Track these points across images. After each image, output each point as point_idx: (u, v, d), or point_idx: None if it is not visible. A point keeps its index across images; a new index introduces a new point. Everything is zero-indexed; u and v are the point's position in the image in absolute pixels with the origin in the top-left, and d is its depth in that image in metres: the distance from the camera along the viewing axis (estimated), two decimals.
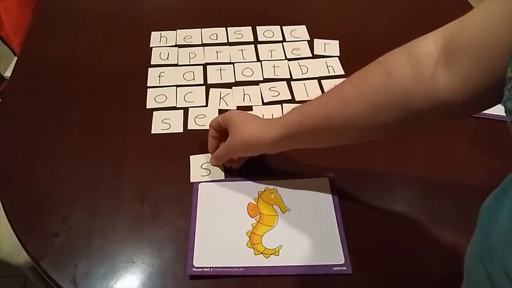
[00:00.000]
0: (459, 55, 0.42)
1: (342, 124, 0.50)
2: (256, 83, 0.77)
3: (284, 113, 0.71)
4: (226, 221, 0.57)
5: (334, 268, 0.52)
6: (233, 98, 0.74)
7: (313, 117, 0.52)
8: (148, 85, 0.76)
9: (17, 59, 0.85)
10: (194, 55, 0.82)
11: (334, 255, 0.53)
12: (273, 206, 0.58)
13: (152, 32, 0.87)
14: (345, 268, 0.52)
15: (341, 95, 0.51)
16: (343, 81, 0.51)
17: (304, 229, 0.56)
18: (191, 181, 0.61)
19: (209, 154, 0.64)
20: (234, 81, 0.77)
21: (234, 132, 0.58)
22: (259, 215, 0.57)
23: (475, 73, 0.40)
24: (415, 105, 0.45)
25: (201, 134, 0.68)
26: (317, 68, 0.80)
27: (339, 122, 0.50)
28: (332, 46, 0.84)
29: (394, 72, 0.46)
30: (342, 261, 0.53)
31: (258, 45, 0.84)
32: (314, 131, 0.53)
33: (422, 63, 0.44)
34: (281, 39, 0.86)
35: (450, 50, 0.43)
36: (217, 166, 0.63)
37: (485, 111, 0.66)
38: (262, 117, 0.70)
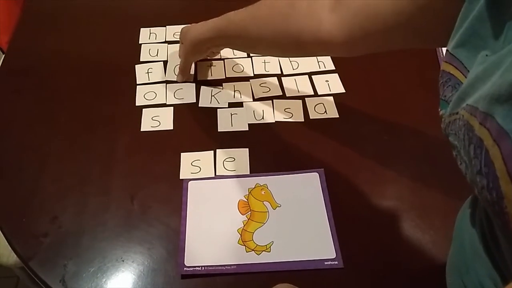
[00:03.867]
0: (343, 6, 0.51)
1: (256, 38, 0.61)
2: (246, 79, 0.77)
3: (275, 110, 0.71)
4: (217, 219, 0.57)
5: (326, 263, 0.52)
6: (224, 95, 0.73)
7: (237, 26, 0.63)
8: (137, 82, 0.75)
9: (4, 57, 0.84)
10: None
11: (325, 249, 0.53)
12: (264, 202, 0.58)
13: (141, 29, 0.86)
14: (336, 262, 0.52)
15: (256, 13, 0.61)
16: (259, 2, 0.61)
17: (295, 224, 0.56)
18: (180, 178, 0.61)
19: (199, 152, 0.64)
20: (224, 77, 0.77)
21: (183, 40, 0.71)
22: (250, 212, 0.57)
23: (350, 24, 0.50)
24: (303, 38, 0.55)
25: (191, 132, 0.68)
26: (308, 63, 0.79)
27: (253, 36, 0.61)
28: None
29: (295, 5, 0.56)
30: (333, 255, 0.53)
31: None
32: (238, 38, 0.63)
33: (317, 3, 0.54)
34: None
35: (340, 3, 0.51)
36: (185, 80, 0.74)
37: None
38: (252, 113, 0.71)
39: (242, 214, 0.57)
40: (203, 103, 0.72)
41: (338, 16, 0.51)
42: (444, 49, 0.81)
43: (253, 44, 0.64)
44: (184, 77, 0.74)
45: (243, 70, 0.78)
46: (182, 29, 0.73)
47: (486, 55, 0.32)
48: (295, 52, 0.65)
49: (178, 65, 0.75)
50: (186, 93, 0.74)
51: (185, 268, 0.51)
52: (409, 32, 0.46)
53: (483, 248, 0.37)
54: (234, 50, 0.82)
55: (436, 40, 0.45)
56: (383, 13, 0.46)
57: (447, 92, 0.37)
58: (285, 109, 0.71)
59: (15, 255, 0.55)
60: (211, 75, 0.77)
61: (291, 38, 0.56)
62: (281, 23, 0.57)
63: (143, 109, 0.71)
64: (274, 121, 0.69)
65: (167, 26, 0.87)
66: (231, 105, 0.72)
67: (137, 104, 0.72)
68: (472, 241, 0.39)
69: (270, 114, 0.70)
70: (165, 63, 0.79)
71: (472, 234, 0.40)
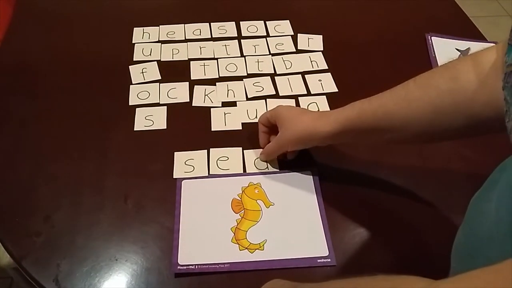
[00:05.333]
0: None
1: (401, 124, 0.50)
2: (240, 78, 0.77)
3: (268, 109, 0.71)
4: (210, 217, 0.57)
5: (319, 261, 0.53)
6: (217, 94, 0.74)
7: (374, 114, 0.51)
8: (132, 82, 0.75)
9: None
10: (177, 51, 0.82)
11: (318, 247, 0.54)
12: (257, 201, 0.58)
13: (135, 28, 0.86)
14: (329, 260, 0.53)
15: (405, 95, 0.50)
16: (407, 82, 0.51)
17: (288, 222, 0.56)
18: (174, 177, 0.61)
19: (193, 151, 0.64)
20: (218, 76, 0.77)
21: (286, 127, 0.58)
22: (243, 211, 0.57)
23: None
24: (478, 113, 0.45)
25: (185, 131, 0.68)
26: (301, 63, 0.80)
27: (399, 122, 0.50)
28: (315, 41, 0.84)
29: (460, 77, 0.46)
30: (326, 253, 0.53)
31: (241, 40, 0.84)
32: (372, 128, 0.52)
33: (486, 71, 0.44)
34: (265, 34, 0.86)
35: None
36: (265, 161, 0.63)
37: None
38: (246, 112, 0.71)
39: (236, 213, 0.57)
40: (196, 102, 0.72)
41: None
42: (436, 50, 0.82)
43: (391, 134, 0.52)
44: (269, 158, 0.63)
45: (236, 70, 0.78)
46: (276, 110, 0.61)
47: None
48: (455, 136, 0.51)
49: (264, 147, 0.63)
50: (179, 93, 0.74)
51: (178, 267, 0.52)
52: None
53: (498, 231, 0.36)
54: (227, 49, 0.82)
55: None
56: None
57: None
58: None
59: (8, 255, 0.54)
60: (205, 74, 0.77)
61: (459, 117, 0.46)
62: (445, 101, 0.46)
63: (137, 109, 0.71)
64: None
65: (160, 26, 0.87)
66: (225, 104, 0.72)
67: (130, 104, 0.72)
68: (486, 228, 0.38)
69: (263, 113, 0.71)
70: (159, 62, 0.79)
71: (487, 221, 0.38)
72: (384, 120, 0.51)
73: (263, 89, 0.75)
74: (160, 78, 0.76)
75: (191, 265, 0.52)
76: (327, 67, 0.79)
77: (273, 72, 0.78)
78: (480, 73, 0.45)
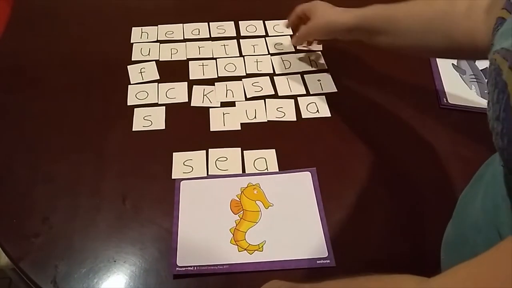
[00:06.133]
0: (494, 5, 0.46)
1: (401, 31, 0.58)
2: (239, 78, 0.76)
3: (267, 109, 0.71)
4: (209, 218, 0.57)
5: (318, 262, 0.52)
6: (216, 94, 0.73)
7: (384, 15, 0.60)
8: (131, 82, 0.75)
9: None
10: (176, 50, 0.81)
11: (317, 248, 0.54)
12: (256, 201, 0.58)
13: (133, 28, 0.86)
14: (328, 261, 0.52)
15: (412, 6, 0.58)
16: None
17: (288, 223, 0.56)
18: (173, 178, 0.61)
19: (191, 151, 0.64)
20: (216, 76, 0.77)
21: (318, 15, 0.69)
22: (242, 212, 0.57)
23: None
24: (459, 39, 0.52)
25: (183, 131, 0.68)
26: (300, 62, 0.80)
27: (399, 28, 0.58)
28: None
29: (455, 3, 0.53)
30: (325, 254, 0.53)
31: (240, 40, 0.84)
32: (379, 29, 0.61)
33: (476, 6, 0.50)
34: (264, 34, 0.85)
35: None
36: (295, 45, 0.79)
37: (464, 104, 0.68)
38: (245, 113, 0.71)
39: (235, 214, 0.57)
40: (195, 102, 0.72)
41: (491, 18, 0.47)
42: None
43: (397, 39, 0.60)
44: (298, 43, 0.79)
45: (235, 70, 0.78)
46: (311, 4, 0.72)
47: None
48: (444, 53, 0.60)
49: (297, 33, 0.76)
50: (178, 93, 0.74)
51: (177, 268, 0.51)
52: None
53: (484, 222, 0.38)
54: (226, 49, 0.82)
55: None
56: None
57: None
58: (277, 108, 0.71)
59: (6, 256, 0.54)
60: (203, 74, 0.77)
61: (443, 38, 0.54)
62: (438, 20, 0.54)
63: (135, 109, 0.70)
64: (266, 121, 0.70)
65: (158, 25, 0.86)
66: (224, 104, 0.72)
67: (128, 104, 0.71)
68: (473, 217, 0.40)
69: (262, 113, 0.70)
70: (157, 62, 0.79)
71: (474, 210, 0.40)
72: (389, 24, 0.59)
73: (262, 89, 0.75)
74: (158, 78, 0.76)
75: (189, 266, 0.52)
76: (326, 67, 0.79)
77: (272, 72, 0.78)
78: (471, 5, 0.51)
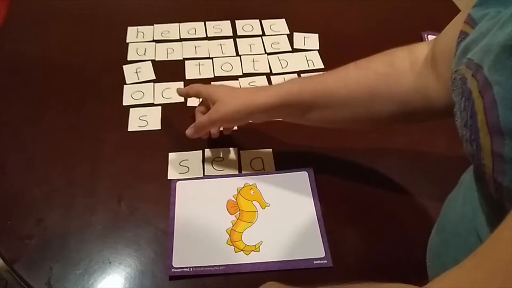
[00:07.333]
0: (438, 60, 0.45)
1: (339, 103, 0.51)
2: (235, 78, 0.76)
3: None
4: (206, 219, 0.56)
5: (315, 262, 0.52)
6: None
7: (314, 89, 0.52)
8: (126, 82, 0.74)
9: None
10: (172, 50, 0.81)
11: (314, 248, 0.53)
12: (253, 202, 0.58)
13: (129, 27, 0.85)
14: (325, 261, 0.52)
15: (345, 74, 0.52)
16: (349, 64, 0.53)
17: (284, 224, 0.56)
18: (168, 178, 0.60)
19: (187, 152, 0.63)
20: (213, 76, 0.76)
21: (221, 101, 0.56)
22: (238, 212, 0.57)
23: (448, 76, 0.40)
24: (408, 100, 0.47)
25: (179, 131, 0.67)
26: (297, 62, 0.79)
27: (337, 100, 0.51)
28: (311, 40, 0.84)
29: (396, 63, 0.49)
30: (322, 254, 0.53)
31: (237, 39, 0.83)
32: (311, 104, 0.53)
33: (419, 61, 0.47)
34: (261, 33, 0.85)
35: (433, 55, 0.46)
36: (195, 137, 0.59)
37: None
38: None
39: (231, 214, 0.56)
40: (191, 102, 0.71)
41: (437, 73, 0.45)
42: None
43: (328, 112, 0.53)
44: (196, 134, 0.59)
45: (232, 69, 0.78)
46: (208, 88, 0.60)
47: (499, 11, 0.32)
48: (395, 120, 0.52)
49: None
50: (174, 93, 0.73)
51: (173, 270, 0.51)
52: None
53: (463, 225, 0.38)
54: (223, 48, 0.81)
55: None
56: None
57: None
58: None
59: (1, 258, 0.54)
60: (200, 74, 0.77)
61: (393, 103, 0.49)
62: (381, 86, 0.49)
63: (131, 109, 0.70)
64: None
65: (154, 25, 0.86)
66: None
67: (124, 104, 0.71)
68: (454, 221, 0.41)
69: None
70: (153, 62, 0.78)
71: (455, 215, 0.41)
72: (323, 97, 0.52)
73: None
74: (154, 78, 0.76)
75: (186, 267, 0.51)
76: (323, 66, 0.78)
77: (269, 71, 0.78)
78: (414, 63, 0.48)
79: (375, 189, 0.61)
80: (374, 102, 0.49)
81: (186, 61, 0.79)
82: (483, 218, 0.35)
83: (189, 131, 0.59)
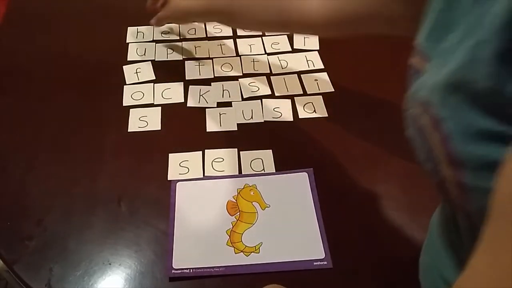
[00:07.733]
0: None
1: (255, 11, 0.61)
2: (235, 78, 0.76)
3: (263, 108, 0.70)
4: (205, 220, 0.56)
5: (315, 263, 0.52)
6: (212, 94, 0.73)
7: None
8: (126, 82, 0.74)
9: None
10: (172, 50, 0.81)
11: (314, 250, 0.53)
12: (253, 203, 0.58)
13: (129, 28, 0.85)
14: (325, 262, 0.52)
15: None
16: None
17: (284, 225, 0.56)
18: (169, 179, 0.60)
19: (188, 152, 0.63)
20: (213, 76, 0.76)
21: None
22: (238, 213, 0.57)
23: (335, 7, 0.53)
24: (290, 15, 0.58)
25: (179, 132, 0.67)
26: (297, 62, 0.79)
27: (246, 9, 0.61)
28: (311, 40, 0.84)
29: None
30: (322, 255, 0.53)
31: (237, 39, 0.83)
32: (229, 13, 0.63)
33: None
34: (260, 33, 0.85)
35: None
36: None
37: None
38: (241, 113, 0.70)
39: (231, 215, 0.56)
40: (191, 103, 0.71)
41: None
42: None
43: (240, 18, 0.65)
44: (158, 24, 0.78)
45: (231, 69, 0.78)
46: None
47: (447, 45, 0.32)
48: (279, 29, 0.69)
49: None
50: (174, 93, 0.73)
51: (173, 271, 0.51)
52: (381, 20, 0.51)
53: (446, 242, 0.39)
54: (222, 49, 0.81)
55: (406, 29, 0.45)
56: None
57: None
58: (274, 108, 0.71)
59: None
60: (200, 74, 0.77)
61: (276, 14, 0.59)
62: None
63: (131, 109, 0.70)
64: (263, 121, 0.69)
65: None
66: (220, 104, 0.71)
67: (124, 104, 0.71)
68: (438, 237, 0.41)
69: (259, 113, 0.70)
70: (153, 62, 0.78)
71: (437, 231, 0.42)
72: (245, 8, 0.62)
73: (258, 89, 0.74)
74: (154, 78, 0.76)
75: (186, 268, 0.51)
76: (323, 67, 0.78)
77: (268, 72, 0.77)
78: None
79: (375, 190, 0.61)
80: (268, 9, 0.59)
81: (186, 61, 0.79)
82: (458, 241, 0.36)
83: (153, 21, 0.77)
